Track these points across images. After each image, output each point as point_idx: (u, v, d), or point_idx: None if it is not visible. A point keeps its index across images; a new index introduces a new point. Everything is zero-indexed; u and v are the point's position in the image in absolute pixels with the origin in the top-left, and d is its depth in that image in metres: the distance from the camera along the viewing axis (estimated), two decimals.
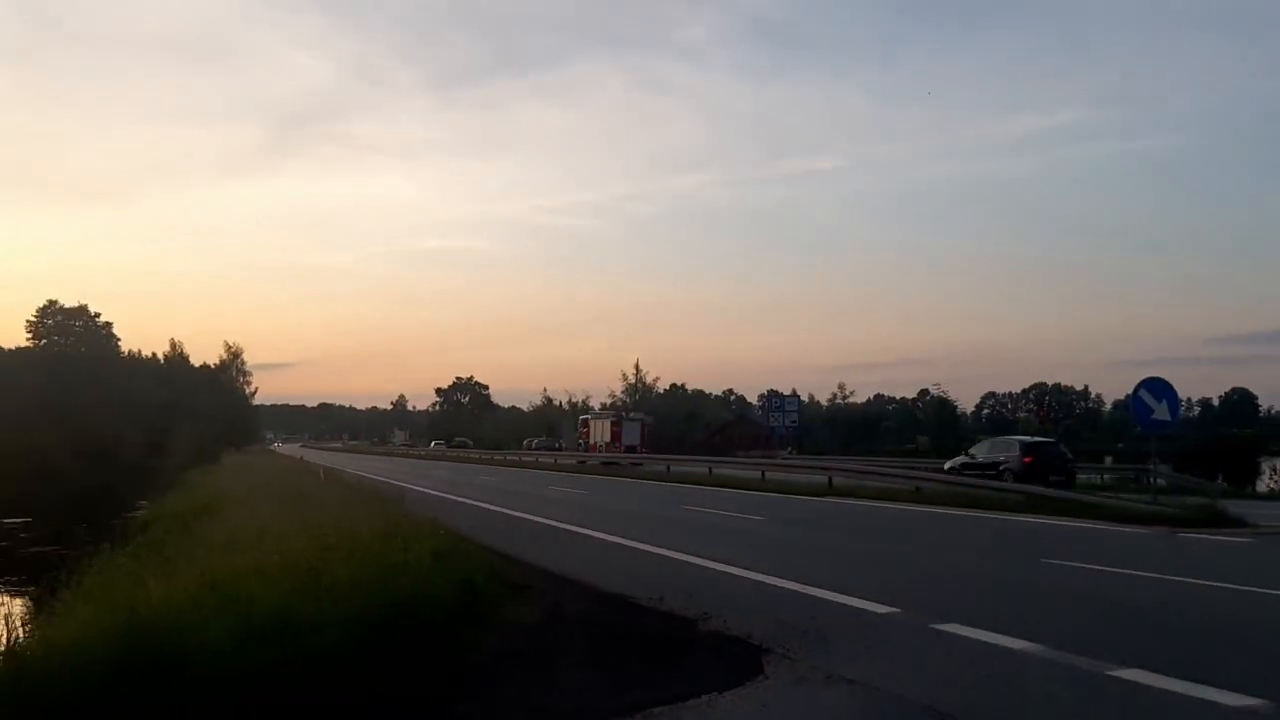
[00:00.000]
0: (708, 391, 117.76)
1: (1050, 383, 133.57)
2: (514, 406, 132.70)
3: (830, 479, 26.04)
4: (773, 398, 64.49)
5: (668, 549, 12.19)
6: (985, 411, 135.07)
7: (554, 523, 16.49)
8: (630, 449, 52.08)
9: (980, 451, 25.70)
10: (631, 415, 60.67)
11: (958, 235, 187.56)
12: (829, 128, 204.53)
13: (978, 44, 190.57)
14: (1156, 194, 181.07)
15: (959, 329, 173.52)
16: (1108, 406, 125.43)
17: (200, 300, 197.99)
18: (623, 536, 13.83)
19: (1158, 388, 17.51)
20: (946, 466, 25.87)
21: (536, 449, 69.57)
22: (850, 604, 8.13)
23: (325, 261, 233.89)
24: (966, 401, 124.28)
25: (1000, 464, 23.77)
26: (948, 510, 18.65)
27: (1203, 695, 5.25)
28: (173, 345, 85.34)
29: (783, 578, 9.55)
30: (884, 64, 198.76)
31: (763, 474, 30.15)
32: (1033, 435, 31.90)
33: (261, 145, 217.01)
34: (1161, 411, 17.42)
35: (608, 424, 57.05)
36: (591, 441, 57.29)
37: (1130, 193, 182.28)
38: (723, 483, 28.43)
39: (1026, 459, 23.32)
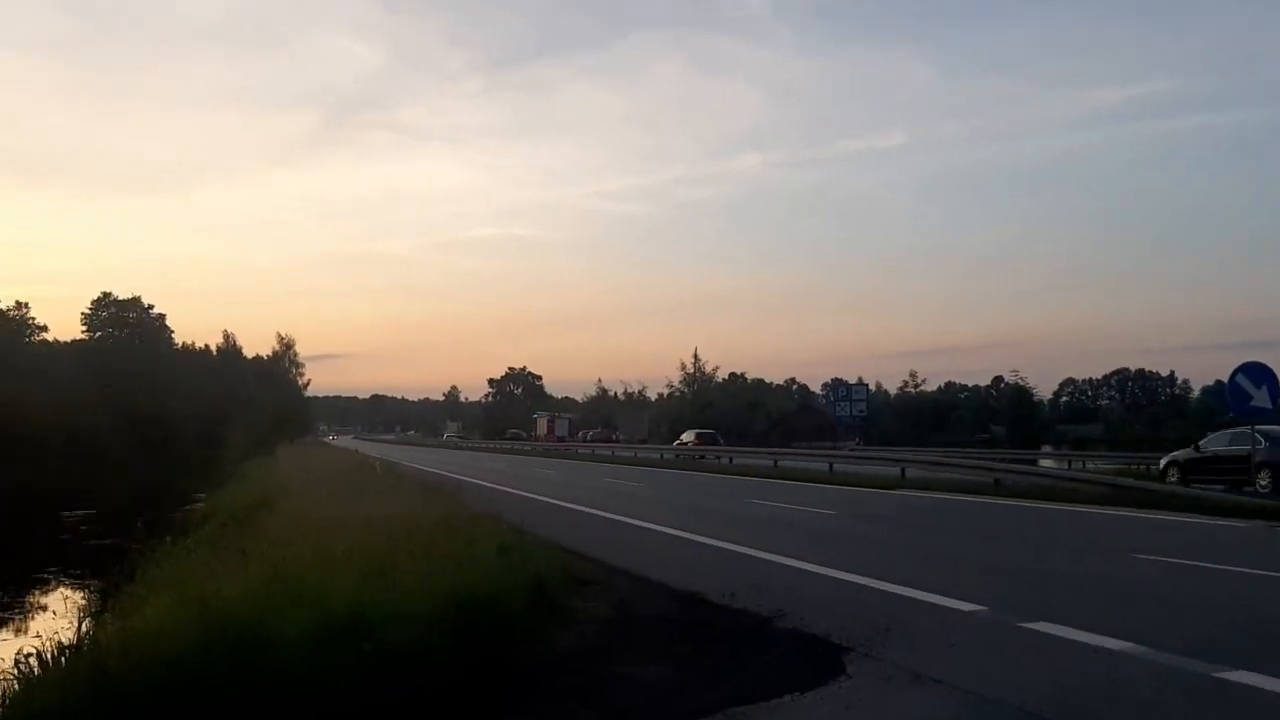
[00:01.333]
0: (769, 381, 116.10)
1: (1134, 368, 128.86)
2: (568, 397, 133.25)
3: (903, 470, 25.51)
4: (839, 386, 63.63)
5: (735, 544, 11.98)
6: (1064, 399, 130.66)
7: (616, 516, 16.39)
8: (560, 439, 79.11)
9: (684, 437, 51.87)
10: (561, 415, 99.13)
11: (1031, 214, 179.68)
12: (893, 105, 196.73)
13: (1048, 14, 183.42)
14: (1243, 169, 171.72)
15: (1035, 312, 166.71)
16: (1195, 393, 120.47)
17: (252, 291, 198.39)
18: (688, 531, 13.64)
19: (1257, 373, 16.59)
20: (674, 444, 50.93)
21: (592, 440, 69.79)
22: (932, 601, 7.84)
23: (377, 250, 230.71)
24: (1044, 388, 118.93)
25: (688, 443, 48.56)
26: (1028, 503, 18.02)
27: None
28: (225, 337, 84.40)
29: (859, 574, 9.28)
30: (949, 37, 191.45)
31: (830, 466, 29.67)
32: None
33: (313, 134, 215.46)
34: (1261, 398, 16.50)
35: (546, 420, 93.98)
36: (537, 433, 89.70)
37: (1216, 168, 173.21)
38: (788, 475, 27.98)
39: (696, 441, 48.49)
